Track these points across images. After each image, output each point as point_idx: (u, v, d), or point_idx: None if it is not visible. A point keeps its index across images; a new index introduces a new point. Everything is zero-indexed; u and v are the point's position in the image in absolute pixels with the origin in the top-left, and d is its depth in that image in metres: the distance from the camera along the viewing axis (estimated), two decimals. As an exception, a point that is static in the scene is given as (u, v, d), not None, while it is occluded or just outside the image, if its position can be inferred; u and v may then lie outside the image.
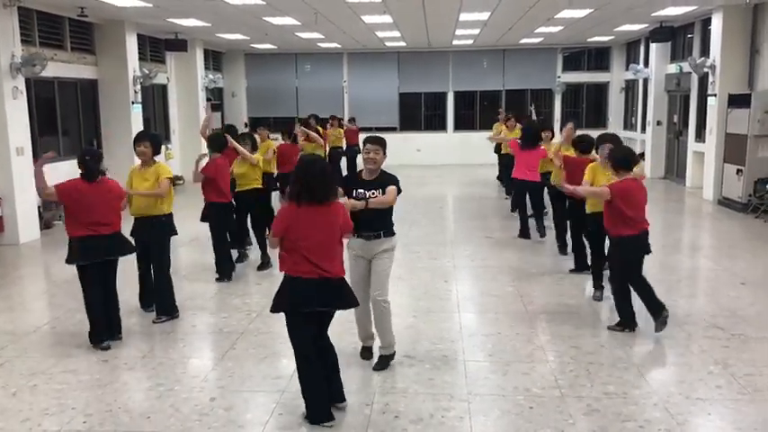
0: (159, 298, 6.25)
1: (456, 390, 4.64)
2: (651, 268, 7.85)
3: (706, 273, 7.87)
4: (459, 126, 20.30)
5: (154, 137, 6.45)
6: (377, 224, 4.87)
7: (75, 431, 4.13)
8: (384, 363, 5.02)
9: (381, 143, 4.90)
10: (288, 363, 5.15)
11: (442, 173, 17.72)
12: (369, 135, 5.18)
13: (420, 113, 20.39)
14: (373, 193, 4.78)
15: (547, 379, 4.79)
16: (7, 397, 4.62)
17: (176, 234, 6.32)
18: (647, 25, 14.84)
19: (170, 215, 6.22)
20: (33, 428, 4.17)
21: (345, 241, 4.68)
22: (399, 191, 4.89)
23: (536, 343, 5.50)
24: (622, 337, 5.62)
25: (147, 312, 6.37)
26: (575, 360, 5.14)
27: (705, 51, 13.17)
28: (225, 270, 7.55)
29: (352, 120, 17.22)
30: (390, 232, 4.96)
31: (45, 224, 10.63)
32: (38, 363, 5.22)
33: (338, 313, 4.42)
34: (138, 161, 6.25)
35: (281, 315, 6.29)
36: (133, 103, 13.04)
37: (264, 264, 7.95)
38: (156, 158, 6.25)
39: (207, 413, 4.34)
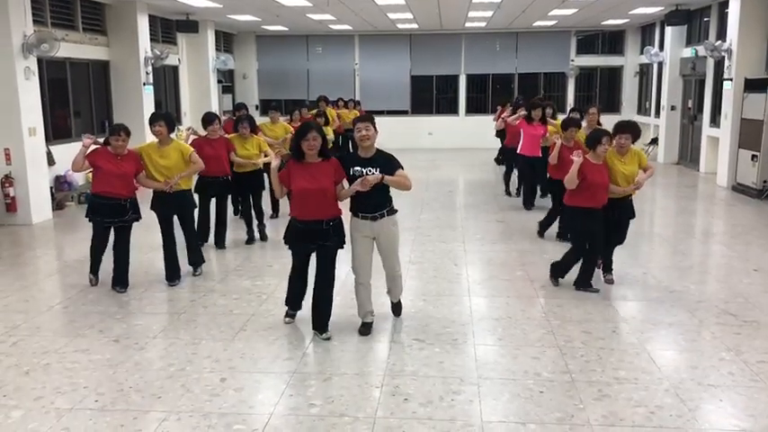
0: (195, 254, 7.04)
1: (466, 373, 4.63)
2: (664, 254, 7.82)
3: (719, 259, 7.81)
4: (471, 109, 20.18)
5: (168, 116, 6.79)
6: (379, 204, 5.08)
7: (87, 410, 4.16)
8: (399, 308, 5.67)
9: (370, 119, 5.11)
10: (298, 344, 5.18)
11: (453, 156, 17.65)
12: (357, 116, 5.45)
13: (432, 96, 20.27)
14: (370, 171, 4.94)
15: (557, 363, 4.78)
16: (20, 375, 4.66)
17: (196, 207, 7.05)
18: (662, 8, 14.64)
19: (191, 190, 6.88)
20: (46, 406, 4.21)
21: (348, 221, 5.15)
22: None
23: (546, 327, 5.49)
24: (634, 322, 5.60)
25: (170, 286, 6.62)
26: (585, 345, 5.13)
27: (722, 35, 12.99)
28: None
29: (357, 103, 17.13)
30: (392, 210, 5.16)
31: (58, 204, 10.69)
32: (50, 342, 5.26)
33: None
34: (149, 139, 6.71)
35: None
36: (144, 84, 13.04)
37: (250, 239, 8.42)
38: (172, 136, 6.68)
39: (218, 394, 4.36)
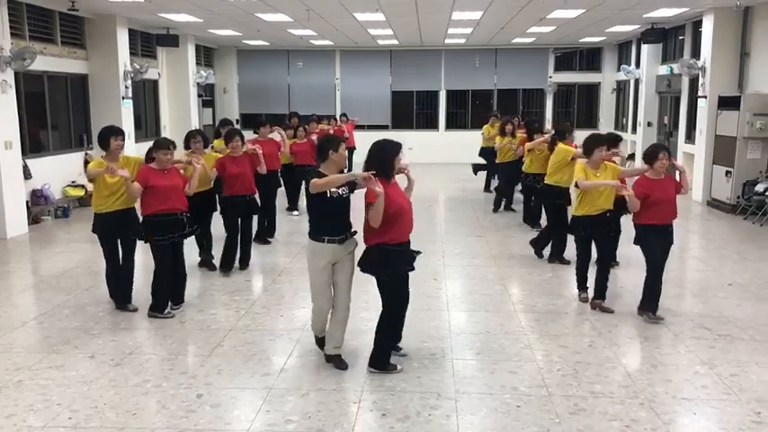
0: (129, 287, 6.45)
1: (443, 388, 4.64)
2: (640, 268, 7.88)
3: (694, 274, 7.91)
4: (451, 125, 20.33)
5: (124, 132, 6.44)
6: (348, 224, 4.88)
7: (60, 427, 4.10)
8: (343, 361, 5.03)
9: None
10: (276, 359, 5.16)
11: (433, 171, 17.70)
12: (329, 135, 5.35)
13: (412, 112, 20.39)
14: (343, 191, 4.75)
15: (534, 378, 4.80)
16: (-8, 392, 4.59)
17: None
18: (638, 26, 14.91)
19: (133, 209, 6.36)
20: (18, 424, 4.14)
21: (313, 246, 4.76)
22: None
23: (524, 342, 5.52)
24: (610, 336, 5.65)
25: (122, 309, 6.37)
26: (562, 359, 5.16)
27: (696, 53, 13.23)
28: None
29: (344, 115, 17.09)
30: (353, 232, 4.94)
31: (33, 219, 10.57)
32: (23, 358, 5.19)
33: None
34: (96, 155, 6.22)
35: (271, 311, 6.35)
36: (124, 98, 12.97)
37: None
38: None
39: (194, 410, 4.32)
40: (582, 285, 6.64)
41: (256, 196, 7.87)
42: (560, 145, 7.96)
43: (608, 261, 6.49)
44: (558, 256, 8.06)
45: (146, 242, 6.12)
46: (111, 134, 6.12)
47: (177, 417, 4.23)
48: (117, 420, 4.19)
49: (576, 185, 6.28)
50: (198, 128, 14.00)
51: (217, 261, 7.81)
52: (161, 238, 6.04)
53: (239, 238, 7.71)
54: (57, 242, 9.67)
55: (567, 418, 4.21)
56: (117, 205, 6.14)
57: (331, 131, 12.97)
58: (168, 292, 6.23)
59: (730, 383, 4.70)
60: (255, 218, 8.51)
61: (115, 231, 6.27)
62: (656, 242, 5.99)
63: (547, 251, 8.23)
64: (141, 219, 6.14)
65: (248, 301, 6.64)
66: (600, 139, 6.46)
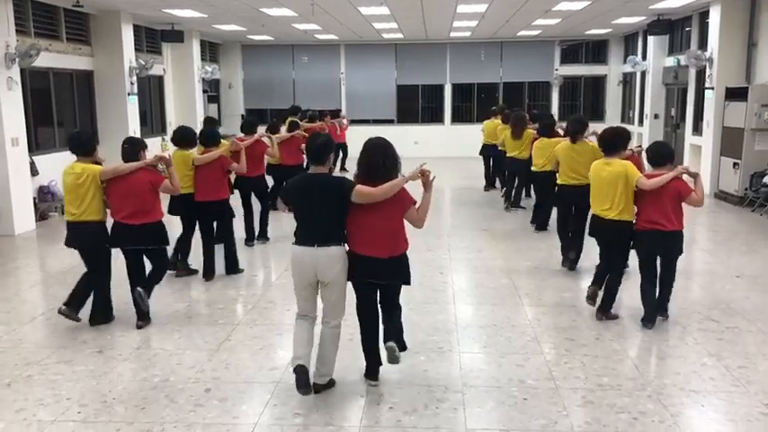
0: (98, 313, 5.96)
1: (450, 381, 4.65)
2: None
3: (701, 266, 7.88)
4: (457, 118, 20.28)
5: None
6: None
7: (70, 421, 4.13)
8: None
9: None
10: (283, 354, 5.17)
11: (438, 165, 17.65)
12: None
13: (417, 106, 20.36)
14: None
15: (541, 371, 4.80)
16: (2, 387, 4.62)
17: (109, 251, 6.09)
18: (644, 18, 14.81)
19: (102, 223, 6.11)
20: (28, 419, 4.17)
21: (346, 255, 4.40)
22: None
23: (531, 335, 5.51)
24: (617, 329, 5.64)
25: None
26: (569, 352, 5.15)
27: (703, 44, 13.15)
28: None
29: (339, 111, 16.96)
30: None
31: (41, 215, 10.61)
32: (32, 353, 5.22)
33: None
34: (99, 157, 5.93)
35: (277, 306, 6.35)
36: (129, 94, 12.99)
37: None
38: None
39: (202, 404, 4.34)
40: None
41: None
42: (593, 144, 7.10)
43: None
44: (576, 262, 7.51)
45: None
46: (97, 141, 5.90)
47: (185, 411, 4.25)
48: (126, 414, 4.21)
49: (637, 187, 5.58)
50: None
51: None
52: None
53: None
54: (63, 238, 9.68)
55: (574, 410, 4.21)
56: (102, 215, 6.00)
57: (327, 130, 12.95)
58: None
59: (738, 375, 4.69)
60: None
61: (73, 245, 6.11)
62: None
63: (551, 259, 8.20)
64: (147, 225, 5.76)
65: (255, 296, 6.65)
66: (628, 133, 6.15)
